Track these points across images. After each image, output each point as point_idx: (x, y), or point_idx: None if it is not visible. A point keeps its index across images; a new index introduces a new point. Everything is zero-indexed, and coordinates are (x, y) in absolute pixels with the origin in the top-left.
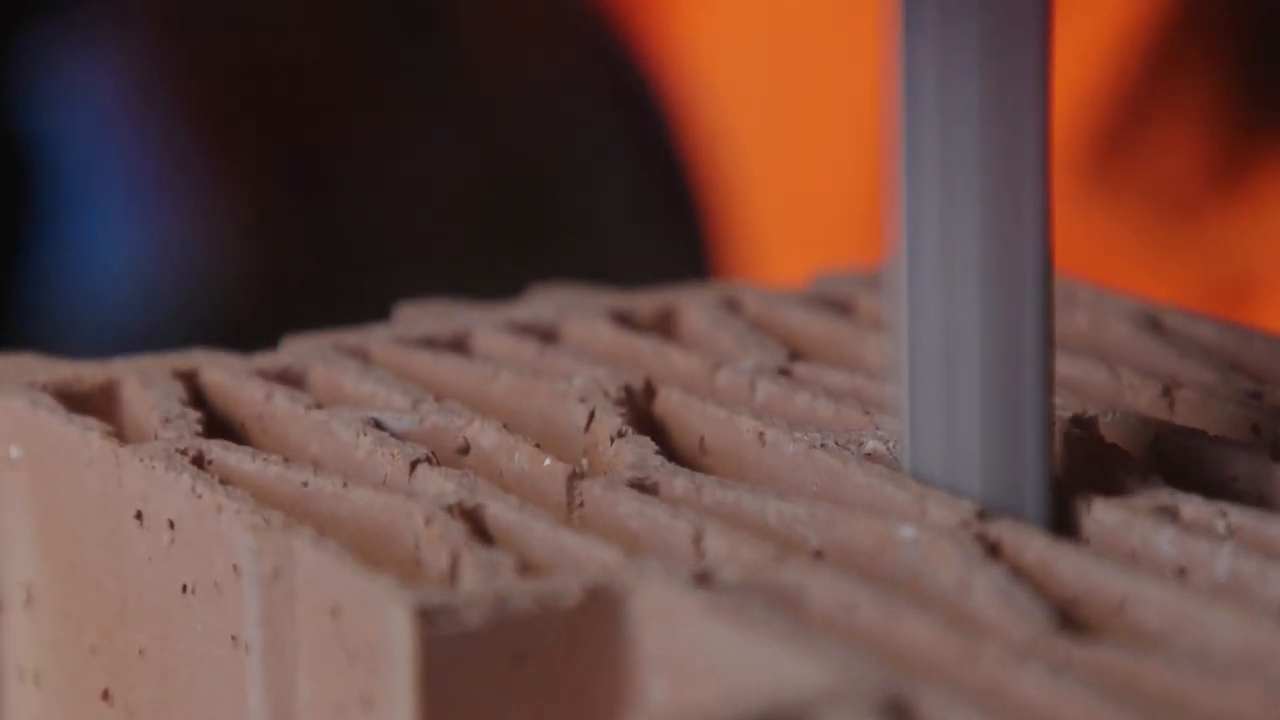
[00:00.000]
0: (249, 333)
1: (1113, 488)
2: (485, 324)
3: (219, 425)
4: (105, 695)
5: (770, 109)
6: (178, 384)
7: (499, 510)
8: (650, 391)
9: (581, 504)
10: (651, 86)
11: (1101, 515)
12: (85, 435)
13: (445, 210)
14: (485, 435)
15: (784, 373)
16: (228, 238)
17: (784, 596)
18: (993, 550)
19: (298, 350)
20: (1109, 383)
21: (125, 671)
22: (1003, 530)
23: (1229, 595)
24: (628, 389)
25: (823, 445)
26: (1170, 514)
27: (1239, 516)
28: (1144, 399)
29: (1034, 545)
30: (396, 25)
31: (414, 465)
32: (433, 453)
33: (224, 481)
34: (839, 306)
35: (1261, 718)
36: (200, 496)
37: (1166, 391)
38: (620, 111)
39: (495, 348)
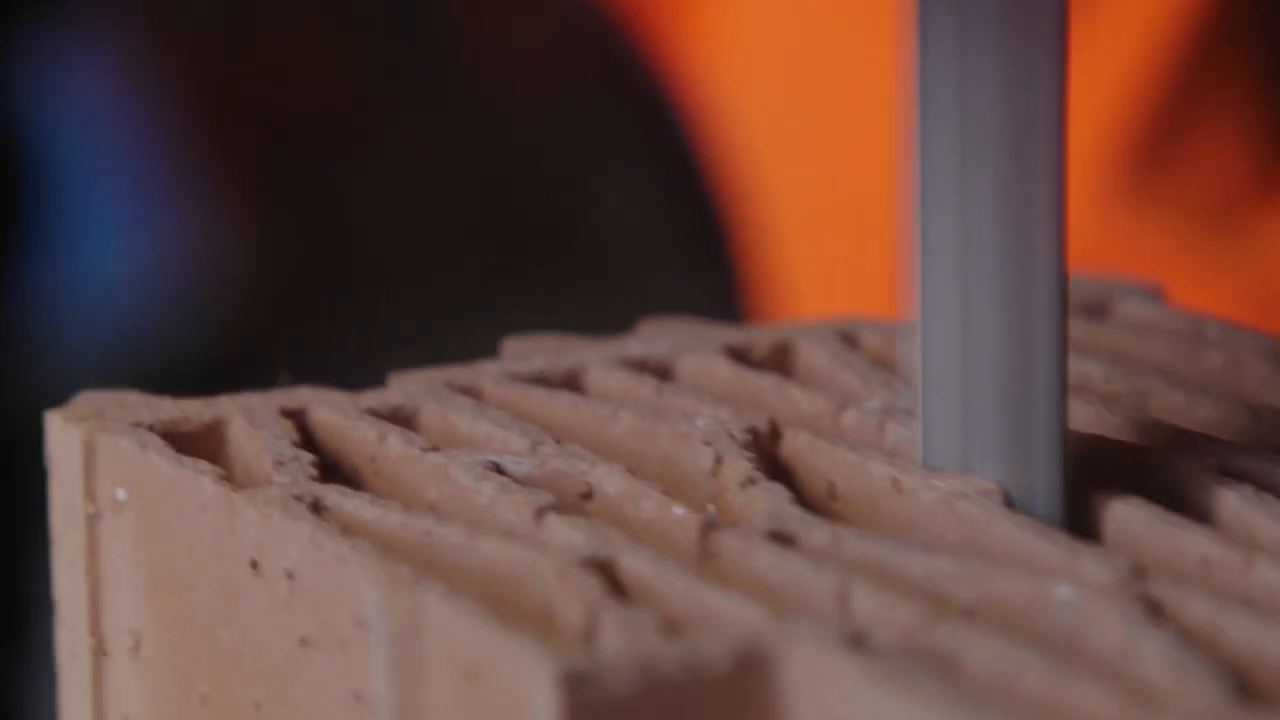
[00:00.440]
0: (251, 337)
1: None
2: (598, 360)
3: (329, 466)
4: None
5: (796, 125)
6: (287, 423)
7: (634, 563)
8: (775, 433)
9: (716, 556)
10: (666, 96)
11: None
12: (197, 479)
13: (447, 217)
14: (610, 481)
15: (911, 413)
16: (227, 243)
17: (942, 661)
18: (1155, 610)
19: (407, 388)
20: (1251, 424)
21: None
22: (1163, 589)
23: None
24: (753, 431)
25: (963, 494)
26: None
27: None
28: None
29: (1198, 605)
30: (398, 32)
31: (540, 513)
32: (557, 499)
33: (344, 530)
34: None
35: None
36: (321, 547)
37: None
38: (633, 122)
39: (610, 385)
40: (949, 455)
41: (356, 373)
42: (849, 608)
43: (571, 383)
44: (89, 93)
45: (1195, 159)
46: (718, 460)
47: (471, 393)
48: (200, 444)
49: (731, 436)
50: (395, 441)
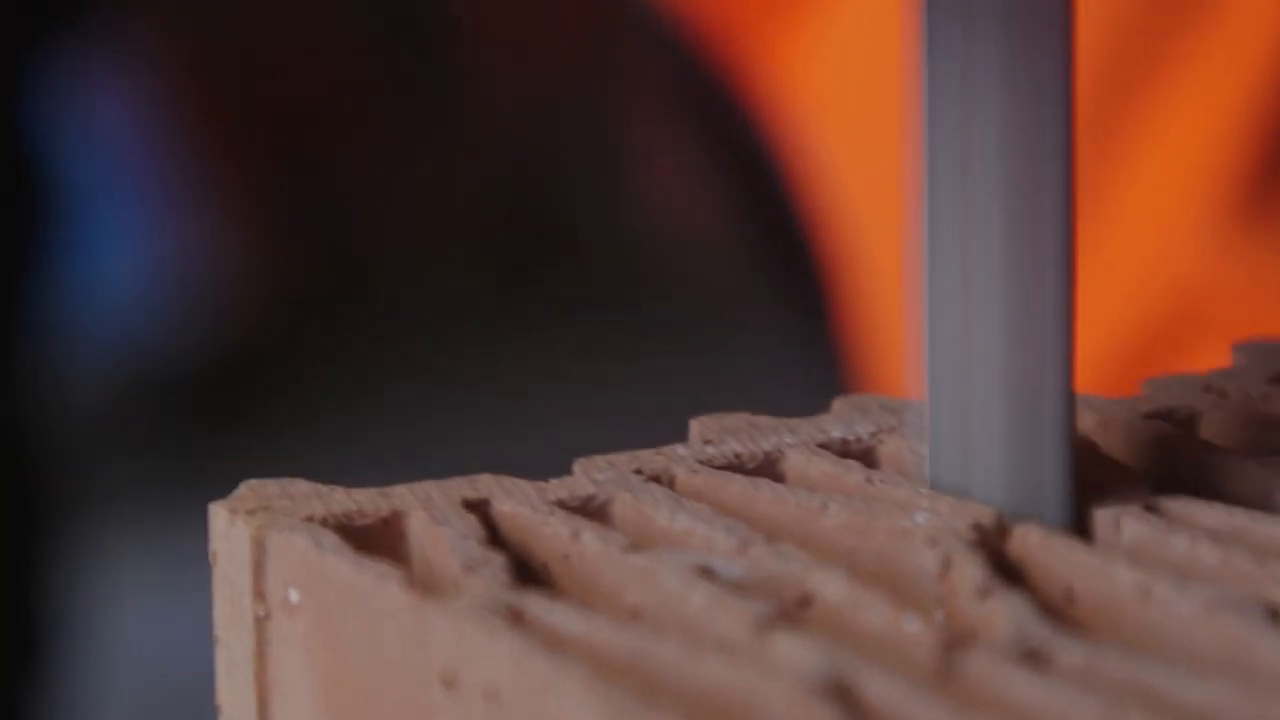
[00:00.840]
0: (254, 342)
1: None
2: (795, 443)
3: (516, 562)
4: None
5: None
6: (471, 518)
7: (880, 690)
8: (1002, 529)
9: (960, 677)
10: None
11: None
12: (380, 584)
13: (451, 223)
14: (831, 586)
15: (1150, 508)
16: (234, 250)
17: None
18: None
19: (594, 474)
20: None
21: None
22: None
23: None
24: (979, 527)
25: (1224, 605)
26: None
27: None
28: None
29: None
30: (409, 45)
31: (762, 626)
32: (775, 608)
33: (547, 643)
34: (1181, 421)
35: None
36: (525, 666)
37: None
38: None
39: (812, 472)
40: (955, 467)
41: (359, 375)
42: None
43: (769, 469)
44: (98, 102)
45: None
46: (946, 563)
47: (664, 481)
48: (377, 540)
49: (956, 533)
50: (591, 539)
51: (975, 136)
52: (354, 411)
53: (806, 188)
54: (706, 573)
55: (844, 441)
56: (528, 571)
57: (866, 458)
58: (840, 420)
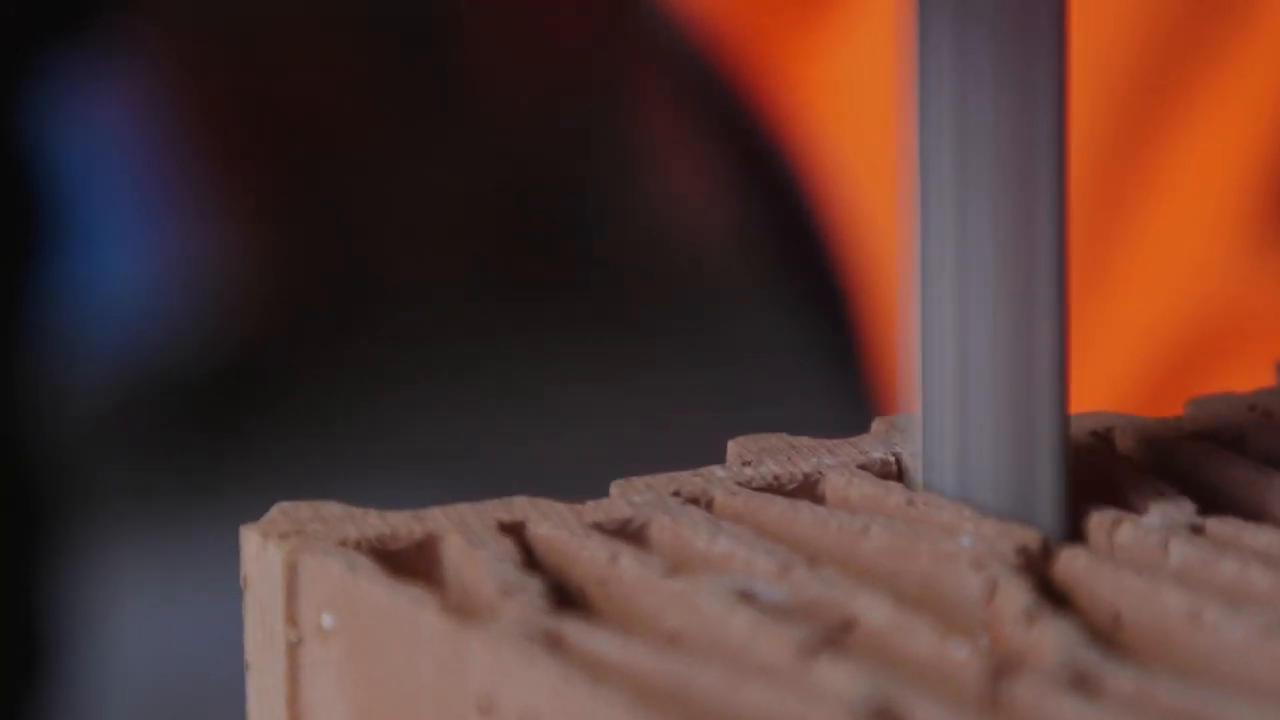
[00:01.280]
0: (255, 347)
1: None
2: (836, 464)
3: (552, 586)
4: None
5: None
6: (506, 541)
7: (927, 718)
8: (1048, 552)
9: (1008, 705)
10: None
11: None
12: (416, 609)
13: (456, 229)
14: (874, 611)
15: (1197, 530)
16: (236, 255)
17: None
18: None
19: (631, 496)
20: None
21: None
22: None
23: None
24: (1024, 550)
25: (1278, 630)
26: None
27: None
28: None
29: None
30: (415, 50)
31: (805, 652)
32: (817, 633)
33: (587, 669)
34: (1227, 441)
35: None
36: (565, 694)
37: None
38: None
39: (854, 494)
40: (949, 470)
41: (361, 381)
42: None
43: (808, 490)
44: (100, 107)
45: None
46: (991, 588)
47: (702, 503)
48: (411, 563)
49: (1000, 557)
50: (629, 563)
51: (969, 140)
52: (356, 418)
53: (822, 194)
54: (747, 597)
55: (885, 464)
56: (564, 595)
57: (907, 479)
58: (880, 441)
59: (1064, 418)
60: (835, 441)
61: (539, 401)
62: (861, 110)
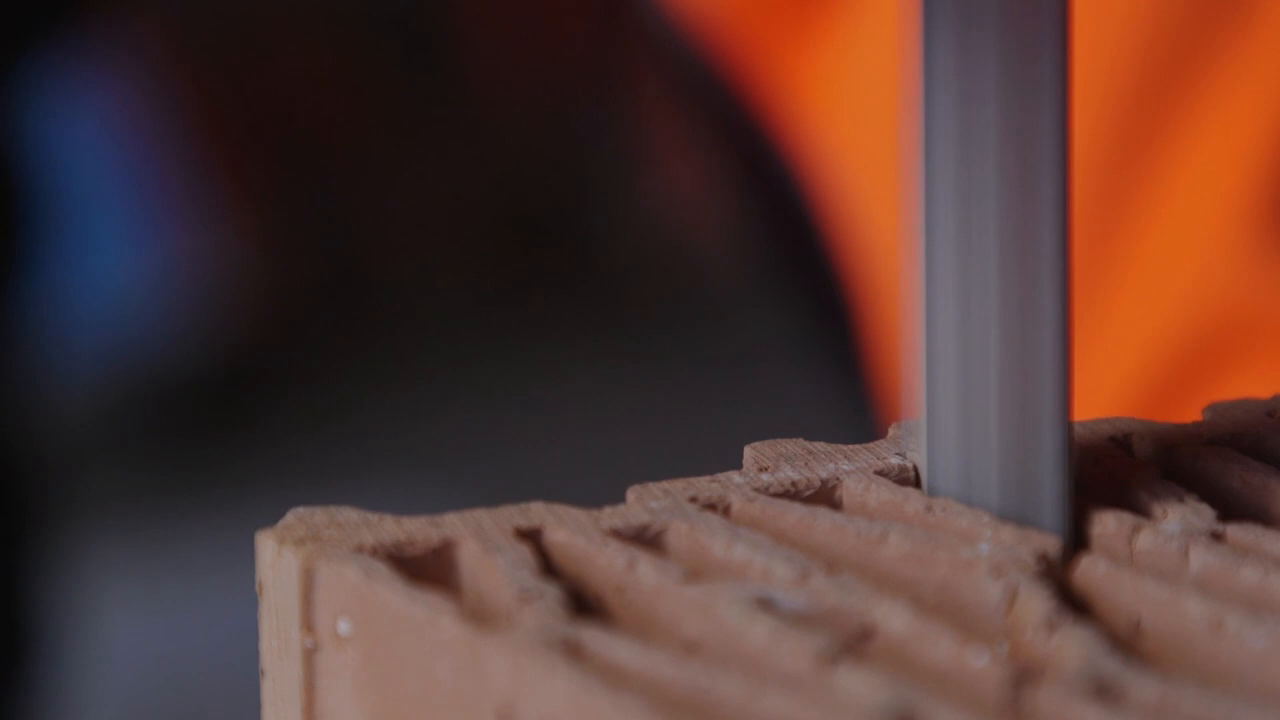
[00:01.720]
0: (252, 349)
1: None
2: (853, 470)
3: (568, 593)
4: None
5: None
6: (523, 548)
7: None
8: (1068, 559)
9: (1029, 714)
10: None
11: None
12: (433, 616)
13: (455, 230)
14: (894, 619)
15: (1217, 536)
16: (233, 256)
17: None
18: None
19: (649, 502)
20: None
21: None
22: None
23: None
24: (1044, 557)
25: None
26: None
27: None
28: None
29: None
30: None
31: (825, 660)
32: (837, 642)
33: (606, 677)
34: (1246, 447)
35: None
36: (584, 703)
37: None
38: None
39: (872, 501)
40: (952, 473)
41: (358, 383)
42: None
43: (825, 496)
44: (97, 108)
45: None
46: (1011, 595)
47: (720, 509)
48: (427, 569)
49: (1020, 564)
50: (647, 570)
51: (973, 144)
52: (354, 419)
53: (822, 194)
54: (766, 605)
55: (903, 471)
56: (581, 602)
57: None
58: (896, 446)
59: (1067, 421)
60: (852, 447)
61: (539, 402)
62: (862, 111)
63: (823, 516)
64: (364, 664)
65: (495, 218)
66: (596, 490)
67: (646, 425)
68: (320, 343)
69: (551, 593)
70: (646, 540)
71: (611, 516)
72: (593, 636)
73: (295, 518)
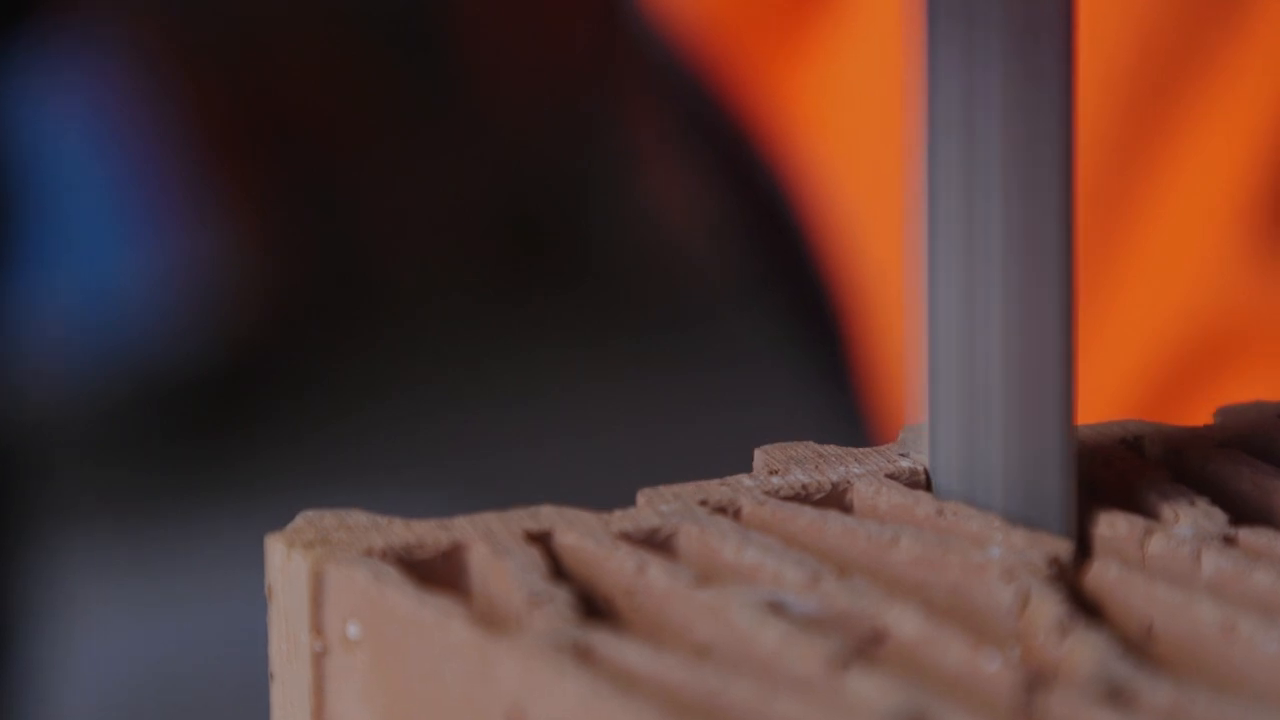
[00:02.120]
0: (252, 350)
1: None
2: (864, 473)
3: (578, 596)
4: None
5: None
6: (533, 551)
7: None
8: (1080, 562)
9: (1040, 717)
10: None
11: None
12: (444, 619)
13: (455, 232)
14: (905, 623)
15: (1229, 540)
16: (233, 257)
17: None
18: None
19: (659, 505)
20: None
21: None
22: None
23: None
24: (1056, 561)
25: None
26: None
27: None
28: None
29: None
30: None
31: (836, 664)
32: (849, 646)
33: (617, 681)
34: (1257, 450)
35: None
36: (595, 708)
37: None
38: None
39: (883, 504)
40: (956, 475)
41: (358, 384)
42: None
43: (836, 500)
44: (97, 109)
45: None
46: (1023, 599)
47: (730, 512)
48: (437, 573)
49: (1032, 568)
50: (657, 574)
51: (976, 146)
52: (354, 420)
53: (813, 200)
54: (778, 608)
55: (914, 473)
56: (591, 606)
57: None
58: (908, 451)
59: (1072, 423)
60: (863, 450)
61: (539, 402)
62: (854, 117)
63: (833, 520)
64: (373, 667)
65: (495, 218)
66: (597, 490)
67: (646, 425)
68: (320, 343)
69: (562, 596)
70: (657, 544)
71: (621, 520)
72: (603, 640)
73: (304, 521)
